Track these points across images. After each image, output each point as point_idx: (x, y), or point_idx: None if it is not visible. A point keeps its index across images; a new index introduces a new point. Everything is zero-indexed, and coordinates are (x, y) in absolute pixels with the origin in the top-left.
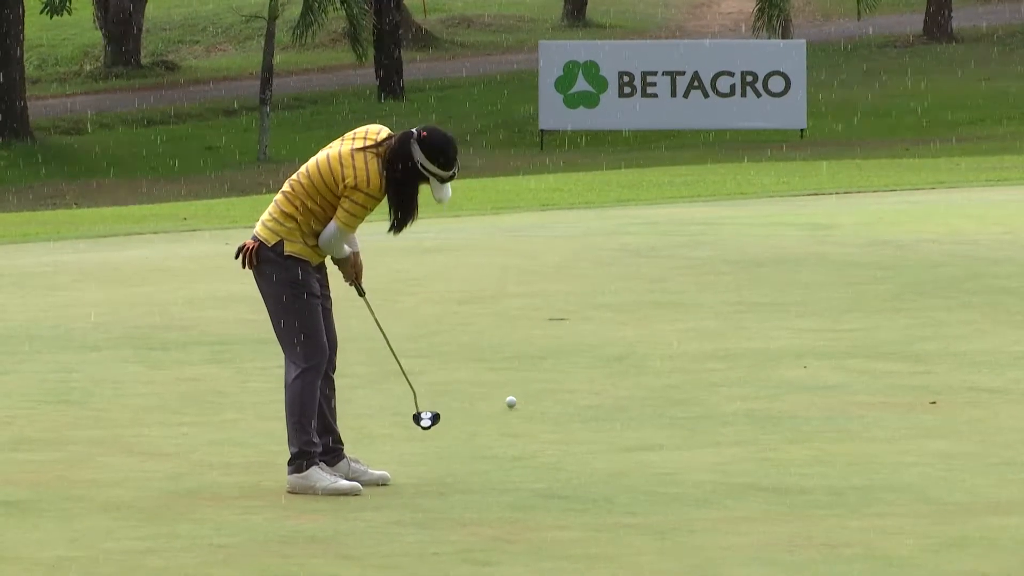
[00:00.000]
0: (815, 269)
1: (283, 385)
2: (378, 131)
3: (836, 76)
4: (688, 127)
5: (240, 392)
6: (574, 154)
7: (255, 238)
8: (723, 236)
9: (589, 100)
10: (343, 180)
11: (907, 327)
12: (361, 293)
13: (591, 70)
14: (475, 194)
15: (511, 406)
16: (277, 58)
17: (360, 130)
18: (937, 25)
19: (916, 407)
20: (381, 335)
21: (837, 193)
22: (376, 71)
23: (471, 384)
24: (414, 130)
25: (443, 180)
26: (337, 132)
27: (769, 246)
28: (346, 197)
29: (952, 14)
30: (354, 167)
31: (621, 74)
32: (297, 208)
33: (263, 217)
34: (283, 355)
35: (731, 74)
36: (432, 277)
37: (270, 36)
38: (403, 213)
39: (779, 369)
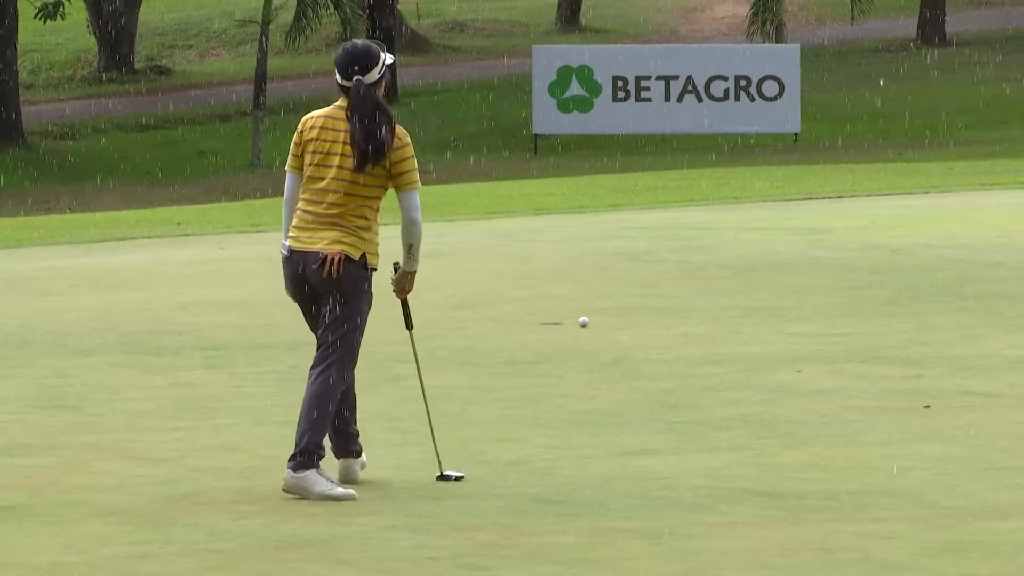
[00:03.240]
0: (809, 273)
1: (305, 382)
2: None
3: (830, 80)
4: (682, 131)
5: (234, 397)
6: (568, 158)
7: (335, 253)
8: (717, 240)
9: (583, 104)
10: (391, 151)
11: (901, 331)
12: (409, 326)
13: (585, 74)
14: (469, 198)
15: (584, 325)
16: (270, 63)
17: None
18: (931, 29)
19: (911, 411)
20: (418, 380)
21: (831, 197)
22: None
23: (466, 389)
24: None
25: (343, 89)
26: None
27: (763, 250)
28: (403, 159)
29: (946, 18)
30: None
31: (615, 78)
32: (368, 215)
33: (330, 235)
34: (325, 355)
35: (725, 78)
36: (426, 282)
37: (264, 41)
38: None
39: (774, 373)
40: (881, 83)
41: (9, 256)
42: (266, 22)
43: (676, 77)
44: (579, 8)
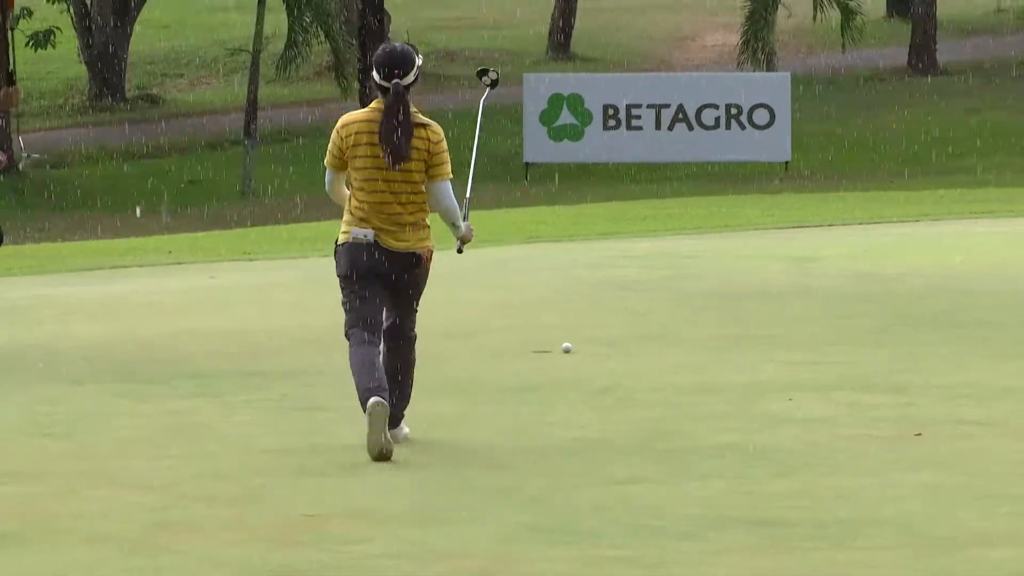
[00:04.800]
0: (800, 302)
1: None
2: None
3: (821, 109)
4: (673, 160)
5: (224, 425)
6: (559, 187)
7: (425, 252)
8: (708, 269)
9: (574, 133)
10: (431, 144)
11: (892, 359)
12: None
13: (576, 103)
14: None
15: (567, 351)
16: (261, 92)
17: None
18: (922, 58)
19: (901, 439)
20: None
21: (822, 226)
22: (361, 104)
23: (455, 417)
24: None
25: (382, 89)
26: (322, 166)
27: (754, 279)
28: (439, 152)
29: (937, 47)
30: (424, 121)
31: (606, 107)
32: (424, 203)
33: (415, 234)
34: (399, 331)
35: (716, 107)
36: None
37: (254, 70)
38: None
39: (764, 402)
40: (872, 112)
41: (0, 284)
42: (257, 51)
43: (667, 105)
44: (570, 37)
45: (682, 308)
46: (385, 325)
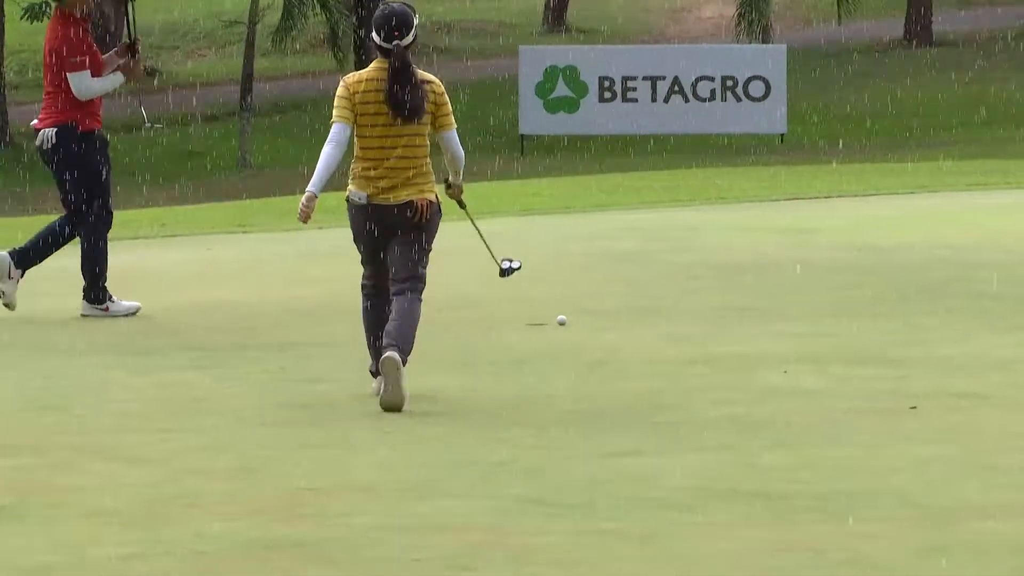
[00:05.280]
0: (796, 274)
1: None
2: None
3: (816, 81)
4: (668, 132)
5: (221, 398)
6: (554, 159)
7: (423, 200)
8: (704, 241)
9: (569, 105)
10: (436, 97)
11: (888, 332)
12: (463, 206)
13: (571, 75)
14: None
15: (562, 323)
16: (257, 64)
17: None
18: (918, 29)
19: (897, 412)
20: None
21: (817, 198)
22: None
23: (452, 389)
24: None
25: (383, 50)
26: (319, 138)
27: (750, 251)
28: (444, 103)
29: (933, 18)
30: (426, 77)
31: (601, 79)
32: (426, 158)
33: (412, 188)
34: (406, 282)
35: (711, 79)
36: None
37: (250, 42)
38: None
39: (761, 374)
40: (868, 83)
41: None
42: (253, 22)
43: (663, 78)
44: (565, 9)
45: (678, 280)
46: (392, 290)
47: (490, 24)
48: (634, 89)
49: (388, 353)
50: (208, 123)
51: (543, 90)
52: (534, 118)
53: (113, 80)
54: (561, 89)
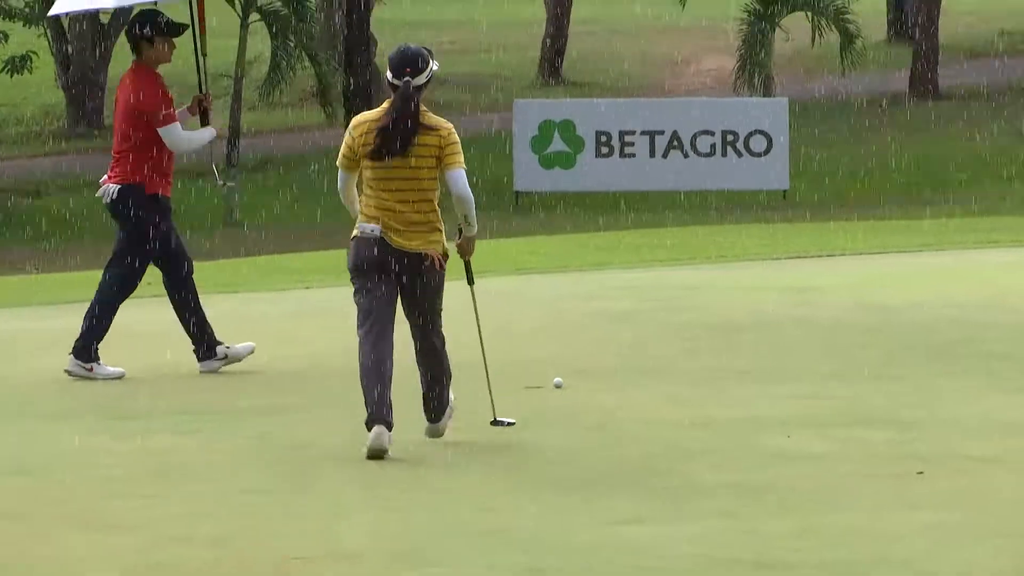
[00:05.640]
0: (798, 334)
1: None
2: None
3: (820, 135)
4: (667, 188)
5: (206, 464)
6: (550, 216)
7: (435, 254)
8: (704, 300)
9: (565, 160)
10: (442, 140)
11: (894, 393)
12: (471, 282)
13: (567, 129)
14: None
15: (558, 386)
16: (244, 118)
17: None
18: (923, 82)
19: (904, 477)
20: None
21: (821, 256)
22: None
23: (444, 454)
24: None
25: (394, 88)
26: (307, 194)
27: (751, 310)
28: (451, 144)
29: (939, 71)
30: (437, 123)
31: (598, 133)
32: (435, 203)
33: (423, 236)
34: (426, 332)
35: (711, 133)
36: (399, 344)
37: (237, 95)
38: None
39: (762, 438)
40: (872, 138)
41: None
42: (240, 76)
43: (661, 132)
44: (561, 62)
45: (677, 340)
46: (411, 330)
47: (483, 77)
48: (632, 144)
49: (373, 436)
50: (194, 179)
51: (538, 145)
52: (529, 174)
53: (205, 135)
54: (557, 144)
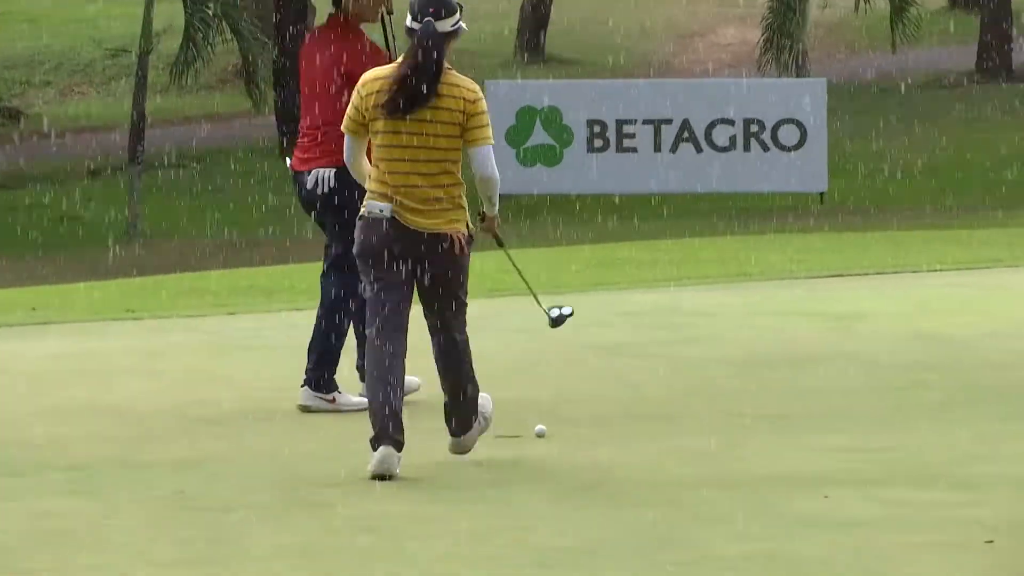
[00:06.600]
0: (838, 371)
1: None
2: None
3: (866, 124)
4: (675, 190)
5: (105, 531)
6: (531, 225)
7: (457, 233)
8: (721, 329)
9: (549, 156)
10: (468, 105)
11: (956, 445)
12: (502, 245)
13: (552, 118)
14: None
15: (541, 435)
16: (151, 104)
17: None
18: (994, 60)
19: (969, 547)
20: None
21: (867, 274)
22: (278, 120)
23: (402, 519)
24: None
25: (410, 31)
26: (228, 197)
27: (779, 342)
28: (478, 114)
29: (1013, 44)
30: (462, 82)
31: (590, 123)
32: (456, 176)
33: (445, 215)
34: (445, 322)
35: (731, 122)
36: (348, 381)
37: (142, 76)
38: None
39: (792, 500)
40: (931, 128)
41: None
42: (145, 52)
43: (668, 121)
44: (544, 34)
45: (687, 379)
46: (428, 328)
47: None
48: (632, 136)
49: (379, 457)
50: (89, 180)
51: (517, 137)
52: (505, 172)
53: None
54: (539, 136)
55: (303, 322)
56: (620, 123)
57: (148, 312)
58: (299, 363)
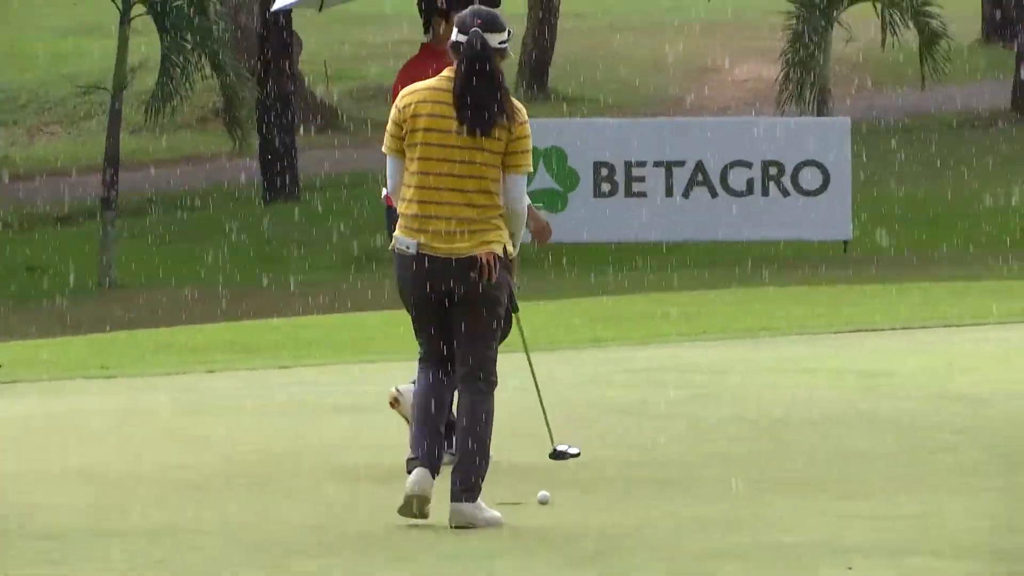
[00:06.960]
0: (863, 433)
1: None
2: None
3: (893, 167)
4: (688, 238)
5: None
6: (534, 276)
7: (487, 255)
8: (738, 388)
9: (553, 201)
10: (515, 130)
11: (986, 513)
12: (515, 309)
13: (557, 159)
14: (394, 330)
15: (544, 502)
16: (126, 144)
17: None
18: None
19: None
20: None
21: (894, 328)
22: (261, 161)
23: None
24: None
25: (456, 46)
26: (207, 244)
27: (800, 401)
28: (522, 138)
29: None
30: (513, 103)
31: (598, 165)
32: (495, 195)
33: (453, 222)
34: (474, 371)
35: (748, 165)
36: (337, 446)
37: (115, 115)
38: None
39: (816, 571)
40: (962, 171)
41: None
42: (119, 88)
43: (681, 163)
44: (548, 69)
45: (701, 441)
46: (458, 377)
47: None
48: (642, 179)
49: (413, 480)
50: (59, 226)
51: None
52: None
53: None
54: (542, 179)
55: (286, 380)
56: (629, 165)
57: (122, 369)
58: (284, 424)
